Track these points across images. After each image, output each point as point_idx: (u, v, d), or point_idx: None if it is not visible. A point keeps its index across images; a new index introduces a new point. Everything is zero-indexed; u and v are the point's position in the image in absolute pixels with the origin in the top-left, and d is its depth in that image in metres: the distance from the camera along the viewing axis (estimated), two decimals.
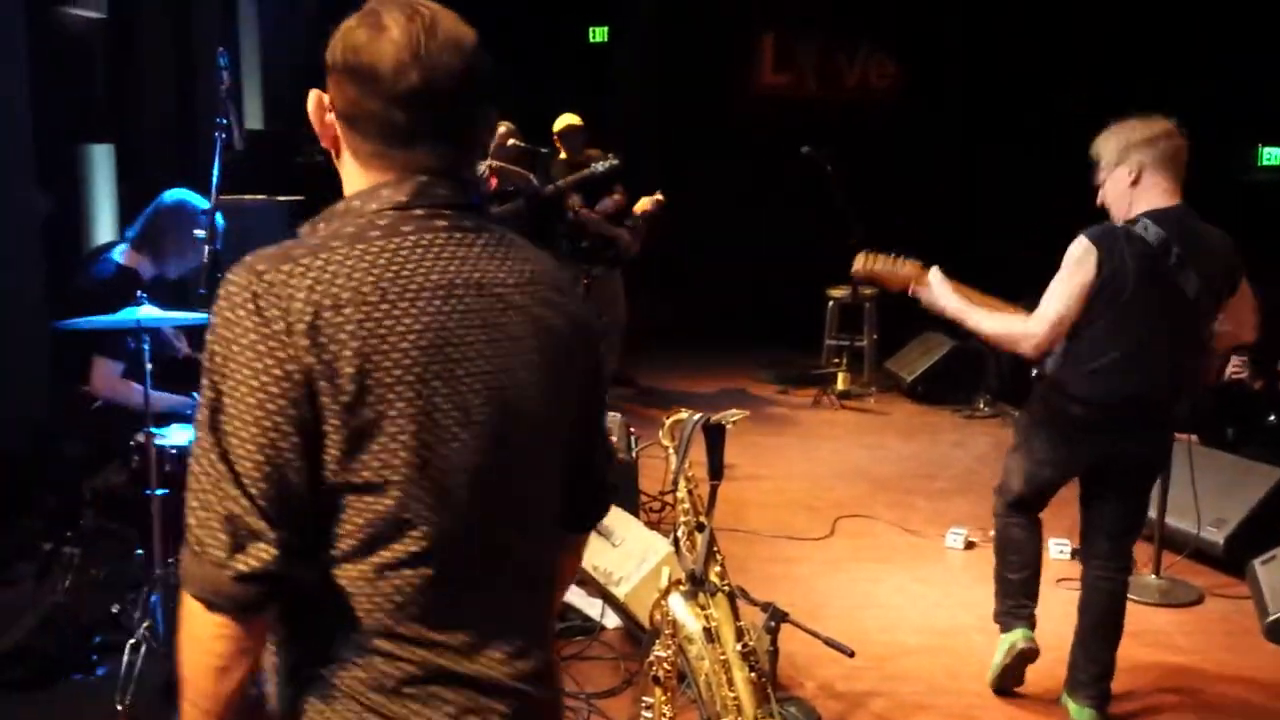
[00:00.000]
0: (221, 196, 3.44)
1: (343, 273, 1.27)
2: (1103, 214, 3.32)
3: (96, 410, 3.93)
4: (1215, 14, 7.59)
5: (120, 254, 3.96)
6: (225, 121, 3.45)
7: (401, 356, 1.28)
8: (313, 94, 1.43)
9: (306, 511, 1.28)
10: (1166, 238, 3.14)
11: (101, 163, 5.71)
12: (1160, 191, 3.20)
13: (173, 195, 4.03)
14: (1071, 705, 3.45)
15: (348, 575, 1.31)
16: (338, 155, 1.44)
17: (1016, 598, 3.58)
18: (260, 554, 1.25)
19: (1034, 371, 3.43)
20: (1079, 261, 3.18)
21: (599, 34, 9.83)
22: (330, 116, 1.41)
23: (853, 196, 7.58)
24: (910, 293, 3.50)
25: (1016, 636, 3.55)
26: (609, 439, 1.73)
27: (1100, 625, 3.45)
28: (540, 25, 9.26)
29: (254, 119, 7.47)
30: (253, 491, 1.25)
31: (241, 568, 1.25)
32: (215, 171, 3.43)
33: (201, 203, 3.99)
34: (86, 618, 3.69)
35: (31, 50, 4.67)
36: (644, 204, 7.14)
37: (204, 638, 1.30)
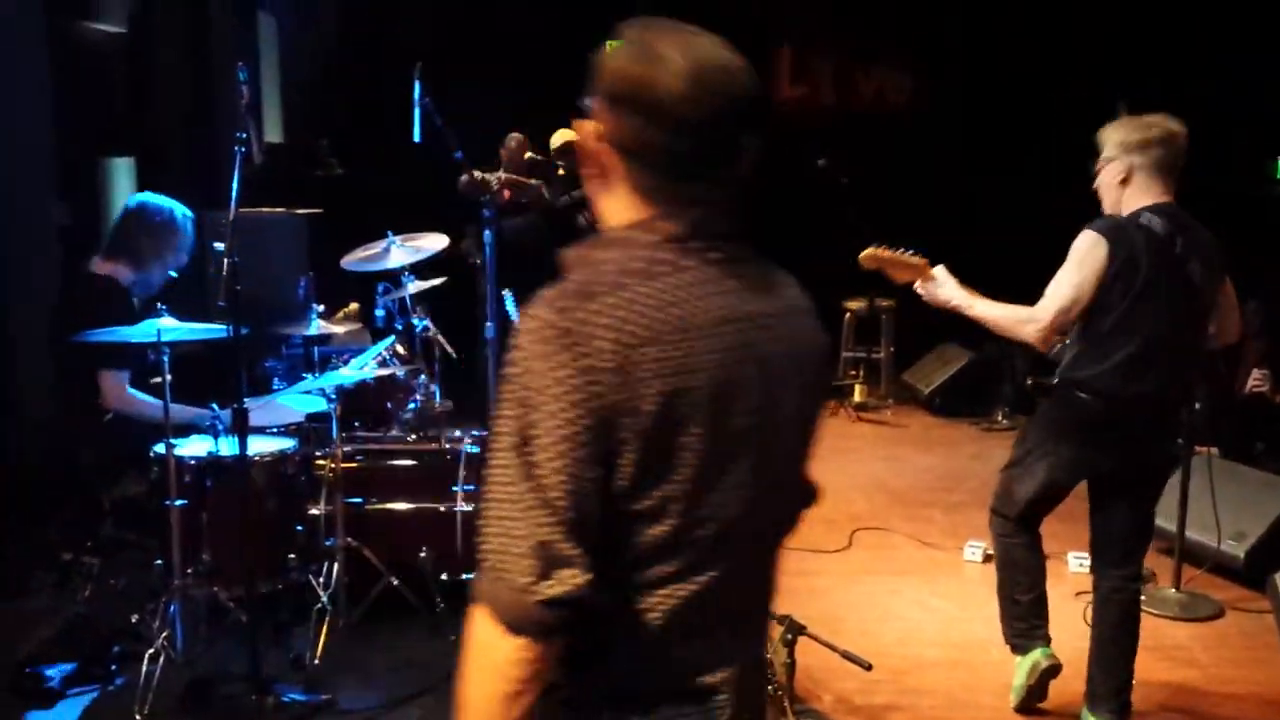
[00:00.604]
0: (240, 209, 3.46)
1: (645, 311, 1.31)
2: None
3: (109, 422, 3.96)
4: (1228, 22, 7.57)
5: (93, 266, 3.99)
6: (245, 135, 3.48)
7: (694, 392, 1.32)
8: (582, 124, 1.43)
9: (599, 539, 1.32)
10: (1172, 229, 3.17)
11: (121, 176, 5.75)
12: (1150, 194, 3.22)
13: (135, 199, 4.13)
14: (1092, 719, 3.43)
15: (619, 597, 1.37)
16: (603, 184, 1.44)
17: (1028, 620, 3.56)
18: (571, 579, 1.29)
19: (1054, 378, 3.42)
20: (1089, 251, 3.17)
21: (614, 48, 9.85)
22: (600, 146, 1.41)
23: (868, 209, 7.58)
24: (916, 287, 3.48)
25: (1038, 655, 3.53)
26: None
27: (1116, 638, 3.42)
28: (555, 40, 9.29)
29: (273, 132, 7.51)
30: (564, 518, 1.28)
31: (550, 593, 1.28)
32: (234, 184, 3.46)
33: (166, 203, 4.05)
34: (105, 627, 3.71)
35: (53, 64, 4.72)
36: None
37: (500, 663, 1.31)
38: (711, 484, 1.36)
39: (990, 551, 4.93)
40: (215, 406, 3.75)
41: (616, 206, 1.43)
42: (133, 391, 3.92)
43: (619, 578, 1.36)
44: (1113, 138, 3.28)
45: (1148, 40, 7.81)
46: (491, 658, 1.32)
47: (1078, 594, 4.36)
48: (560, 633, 1.31)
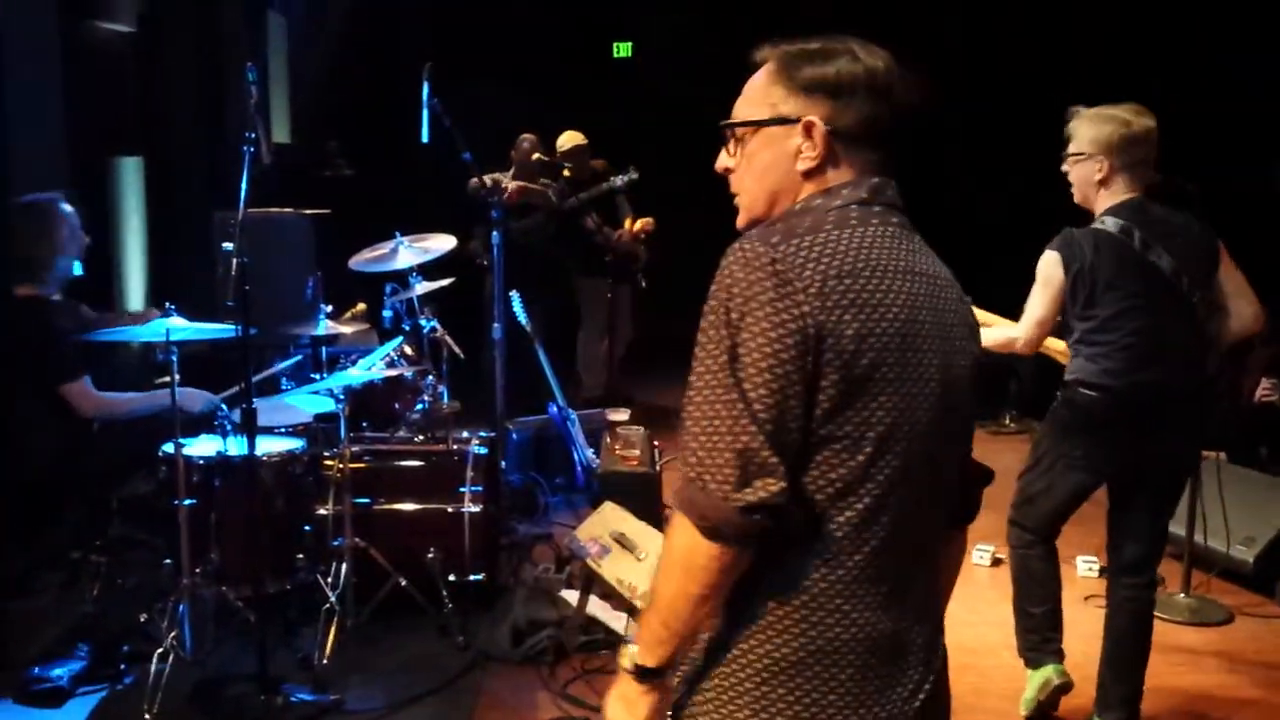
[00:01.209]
0: (248, 209, 3.46)
1: (840, 250, 1.47)
2: (1079, 214, 3.41)
3: (99, 432, 3.96)
4: (1234, 20, 7.54)
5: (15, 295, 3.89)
6: (253, 136, 3.48)
7: (889, 325, 1.46)
8: (800, 125, 1.58)
9: (796, 458, 1.43)
10: (1127, 225, 3.22)
11: (130, 175, 5.76)
12: (1124, 192, 3.28)
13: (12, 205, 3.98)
14: None
15: (825, 520, 1.47)
16: (812, 178, 1.58)
17: (1042, 632, 3.56)
18: (769, 486, 1.40)
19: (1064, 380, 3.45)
20: (1047, 269, 3.32)
21: (623, 49, 9.87)
22: (811, 143, 1.57)
23: None
24: None
25: (1050, 672, 3.52)
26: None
27: (1128, 645, 3.41)
28: (564, 41, 9.29)
29: (280, 132, 7.53)
30: (768, 429, 1.40)
31: (751, 498, 1.39)
32: (243, 184, 3.46)
33: (36, 199, 3.94)
34: (114, 626, 3.71)
35: (63, 63, 4.73)
36: (647, 222, 7.15)
37: (695, 566, 1.44)
38: (906, 423, 1.48)
39: (1000, 555, 4.93)
40: (224, 406, 3.75)
41: (810, 191, 1.59)
42: (102, 394, 3.89)
43: (813, 500, 1.46)
44: (1087, 133, 3.28)
45: (1151, 42, 7.79)
46: (687, 561, 1.44)
47: (1086, 598, 4.35)
48: (755, 539, 1.42)
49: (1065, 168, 3.37)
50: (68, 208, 3.98)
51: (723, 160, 1.68)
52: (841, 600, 1.49)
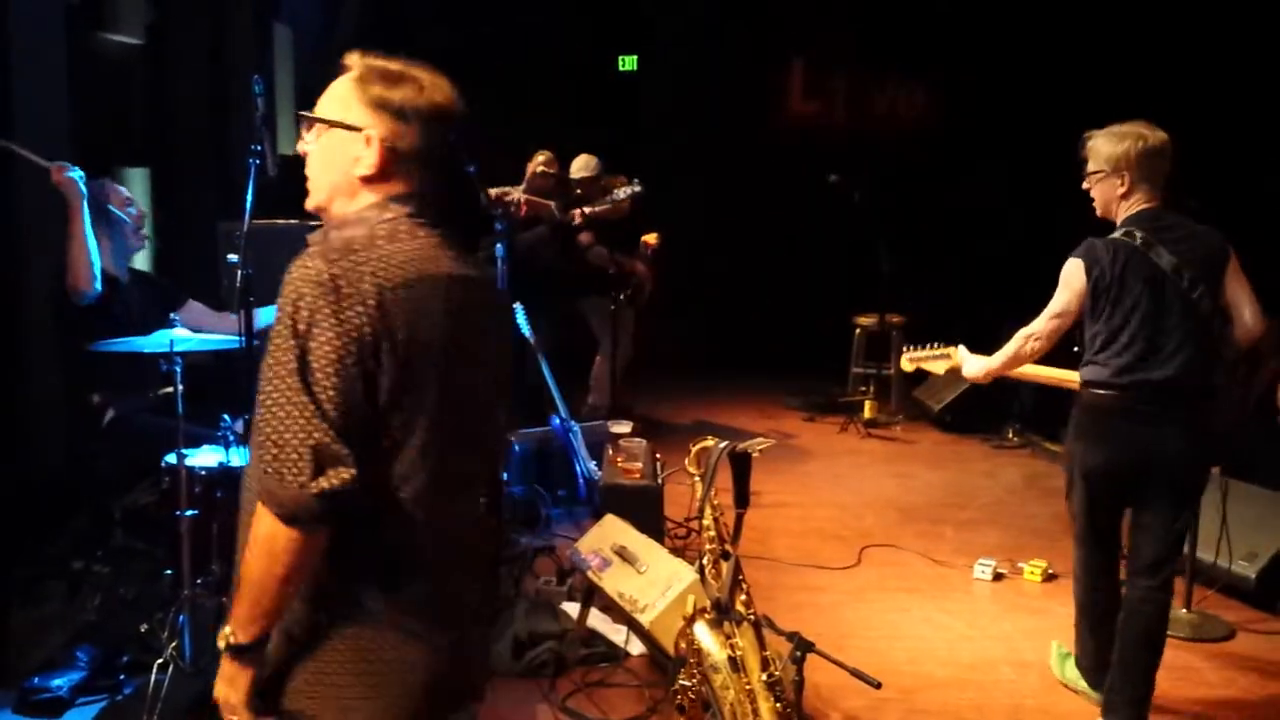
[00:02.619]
0: (254, 220, 3.48)
1: (395, 263, 1.72)
2: (1102, 225, 3.56)
3: (111, 425, 3.97)
4: (1249, 36, 7.55)
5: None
6: (260, 148, 3.50)
7: (436, 323, 1.74)
8: (362, 135, 1.83)
9: (364, 448, 1.66)
10: (1131, 229, 3.42)
11: (136, 186, 5.78)
12: (1143, 200, 3.45)
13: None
14: None
15: (384, 498, 1.73)
16: (368, 184, 1.84)
17: (1096, 659, 3.67)
18: (341, 475, 1.63)
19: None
20: (1070, 273, 3.48)
21: (628, 62, 9.89)
22: (370, 153, 1.83)
23: (879, 226, 7.58)
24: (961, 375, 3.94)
25: (1099, 697, 3.63)
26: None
27: (1141, 647, 3.47)
28: (569, 54, 9.32)
29: (285, 144, 7.55)
30: (337, 425, 1.63)
31: (325, 485, 1.62)
32: (249, 196, 3.48)
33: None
34: (115, 636, 3.71)
35: (70, 74, 4.75)
36: (651, 238, 7.15)
37: (278, 550, 1.65)
38: (449, 400, 1.76)
39: (1001, 570, 4.93)
40: (227, 417, 3.76)
41: (361, 204, 1.85)
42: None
43: (380, 483, 1.71)
44: (1107, 150, 3.46)
45: (1162, 58, 7.80)
46: (270, 546, 1.66)
47: None
48: (328, 522, 1.65)
49: (1086, 185, 3.56)
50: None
51: (302, 145, 1.89)
52: (409, 547, 1.77)
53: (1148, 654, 3.47)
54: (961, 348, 3.91)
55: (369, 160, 1.80)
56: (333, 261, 1.67)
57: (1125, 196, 3.45)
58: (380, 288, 1.67)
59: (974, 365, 3.82)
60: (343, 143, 1.81)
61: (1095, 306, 3.43)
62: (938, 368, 4.03)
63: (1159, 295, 3.37)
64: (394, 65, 1.83)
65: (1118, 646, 3.50)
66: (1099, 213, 3.56)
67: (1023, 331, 3.56)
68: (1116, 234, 3.44)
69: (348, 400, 1.64)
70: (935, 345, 4.04)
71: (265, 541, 1.66)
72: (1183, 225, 3.43)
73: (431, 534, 1.77)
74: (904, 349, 4.14)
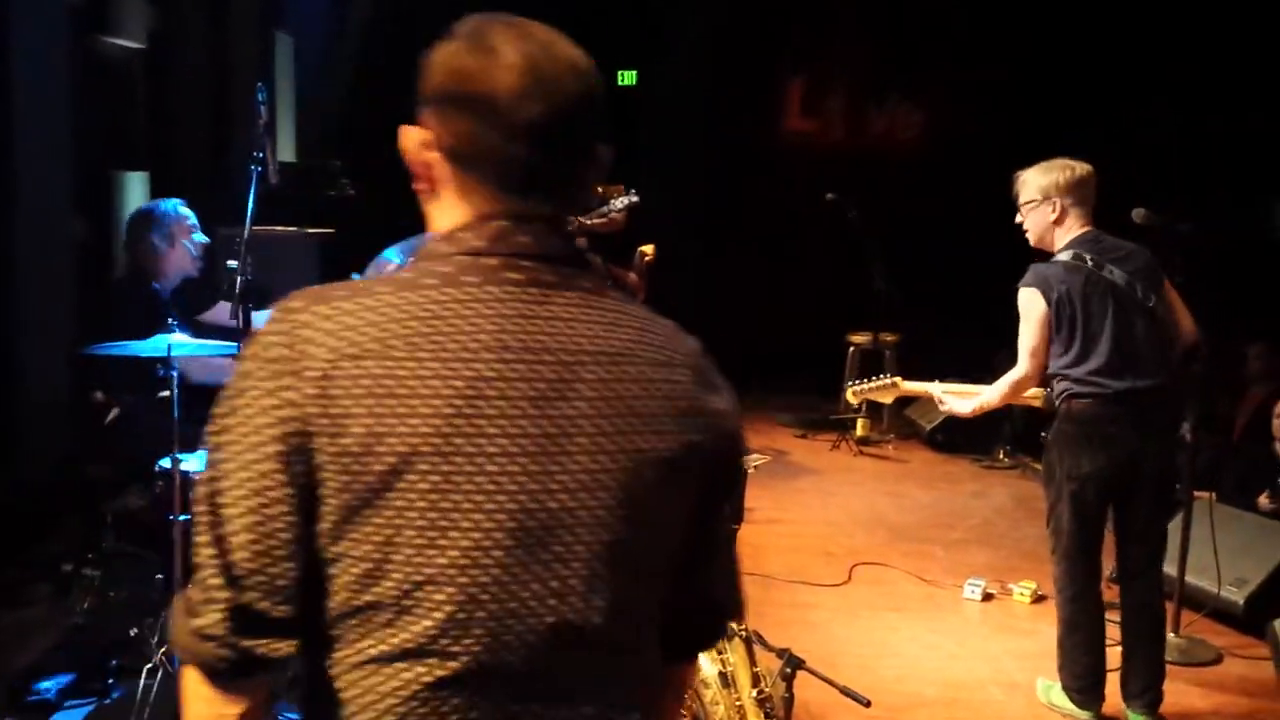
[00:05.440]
0: (254, 228, 3.49)
1: (374, 320, 1.13)
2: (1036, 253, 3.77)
3: (113, 425, 3.97)
4: (1242, 58, 7.60)
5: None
6: (261, 155, 3.50)
7: (420, 422, 1.10)
8: (407, 130, 1.25)
9: (291, 579, 1.13)
10: (1079, 253, 3.62)
11: (135, 191, 5.78)
12: (1077, 226, 3.66)
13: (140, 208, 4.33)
14: (1130, 714, 3.72)
15: (341, 665, 1.15)
16: (433, 196, 1.26)
17: (1087, 678, 3.76)
18: (209, 615, 1.13)
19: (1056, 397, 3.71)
20: (1028, 304, 3.64)
21: (627, 77, 9.93)
22: (431, 154, 1.23)
23: (875, 244, 7.61)
24: (941, 409, 4.10)
25: (1088, 717, 3.79)
26: (732, 556, 1.46)
27: (1155, 640, 3.74)
28: None
29: (286, 151, 7.57)
30: (227, 545, 1.12)
31: (197, 622, 1.14)
32: (250, 204, 3.48)
33: (169, 205, 4.24)
34: (104, 640, 3.70)
35: (72, 78, 4.76)
36: (649, 249, 7.15)
37: (184, 695, 1.19)
38: (449, 542, 1.12)
39: (990, 590, 4.94)
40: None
41: (444, 223, 1.24)
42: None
43: (333, 640, 1.15)
44: (1037, 182, 3.69)
45: (1155, 79, 7.85)
46: (183, 687, 1.19)
47: None
48: (228, 675, 1.15)
49: (1019, 219, 3.77)
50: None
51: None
52: None
53: (1155, 644, 3.73)
54: (938, 389, 3.99)
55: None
56: (291, 311, 1.21)
57: (1058, 223, 3.66)
58: (337, 356, 1.14)
59: (963, 407, 3.90)
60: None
61: (1060, 325, 3.59)
62: (884, 397, 4.23)
63: (1122, 308, 3.58)
64: None
65: (1125, 644, 3.72)
66: (1033, 242, 3.75)
67: (1010, 379, 3.68)
68: (1064, 258, 3.62)
69: (257, 517, 1.14)
70: (879, 376, 4.22)
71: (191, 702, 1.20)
72: (1119, 245, 3.65)
73: None
74: (847, 384, 4.28)
